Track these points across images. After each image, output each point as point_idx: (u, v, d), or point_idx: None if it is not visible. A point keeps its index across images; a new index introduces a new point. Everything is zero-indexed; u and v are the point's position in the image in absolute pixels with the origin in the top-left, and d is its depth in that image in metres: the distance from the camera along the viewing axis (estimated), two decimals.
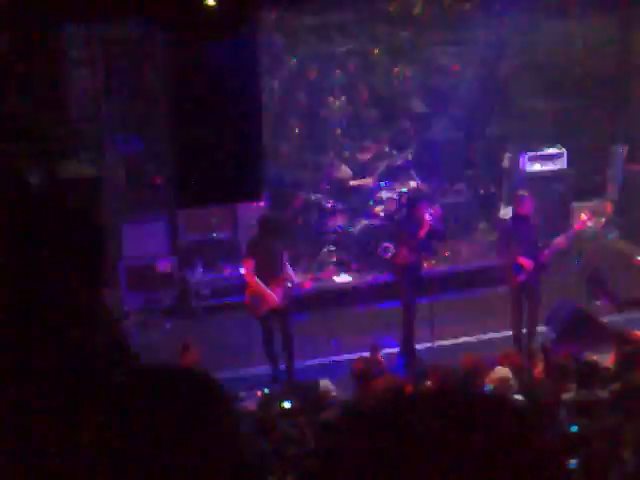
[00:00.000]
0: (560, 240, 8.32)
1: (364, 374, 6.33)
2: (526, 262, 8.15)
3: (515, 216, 8.53)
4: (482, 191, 11.35)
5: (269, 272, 7.93)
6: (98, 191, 9.57)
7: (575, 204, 10.87)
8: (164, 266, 9.96)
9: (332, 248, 10.34)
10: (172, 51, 10.17)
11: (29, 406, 1.87)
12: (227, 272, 10.01)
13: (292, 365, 8.17)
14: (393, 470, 1.38)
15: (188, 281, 10.00)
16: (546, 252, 8.22)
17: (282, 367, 8.26)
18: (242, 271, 8.66)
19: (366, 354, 7.31)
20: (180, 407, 1.68)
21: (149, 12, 9.71)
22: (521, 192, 8.69)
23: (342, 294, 9.91)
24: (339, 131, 11.31)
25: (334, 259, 10.31)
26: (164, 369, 1.88)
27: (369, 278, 10.12)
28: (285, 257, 8.15)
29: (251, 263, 7.94)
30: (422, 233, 8.28)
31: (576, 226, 8.73)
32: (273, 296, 7.90)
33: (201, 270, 10.09)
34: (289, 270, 8.19)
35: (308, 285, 8.55)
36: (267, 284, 7.92)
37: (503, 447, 1.31)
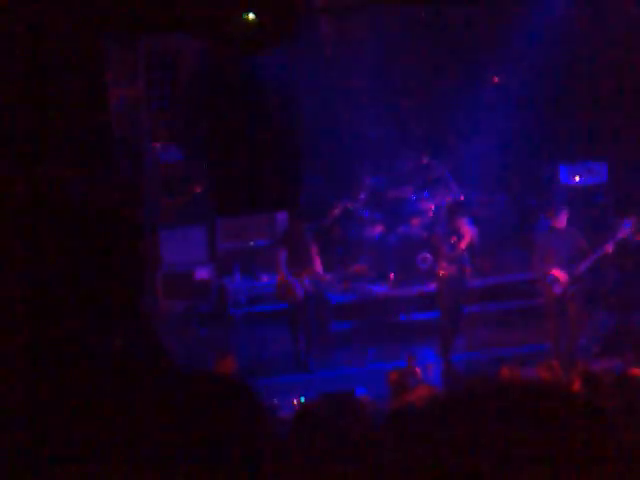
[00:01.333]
0: (605, 248, 8.28)
1: (399, 384, 6.32)
2: (561, 275, 8.09)
3: (551, 229, 8.47)
4: (521, 203, 11.28)
5: (297, 263, 8.46)
6: (138, 199, 9.71)
7: (616, 218, 10.74)
8: (202, 273, 10.05)
9: (370, 258, 10.35)
10: (212, 63, 10.31)
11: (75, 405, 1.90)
12: (264, 280, 10.05)
13: (310, 349, 8.60)
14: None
15: (225, 289, 10.07)
16: (583, 264, 8.16)
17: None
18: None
19: (402, 364, 7.29)
20: (218, 413, 1.71)
21: (191, 24, 9.85)
22: (557, 206, 8.65)
23: (379, 304, 9.90)
24: (378, 139, 11.32)
25: (372, 269, 10.30)
26: (204, 375, 1.90)
27: (406, 289, 10.09)
28: (315, 251, 8.64)
29: (282, 253, 8.56)
30: (463, 245, 8.27)
31: (620, 234, 8.63)
32: (295, 288, 8.47)
33: (238, 278, 10.16)
34: (318, 263, 8.60)
35: (328, 278, 8.94)
36: (295, 274, 8.51)
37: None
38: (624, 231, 8.62)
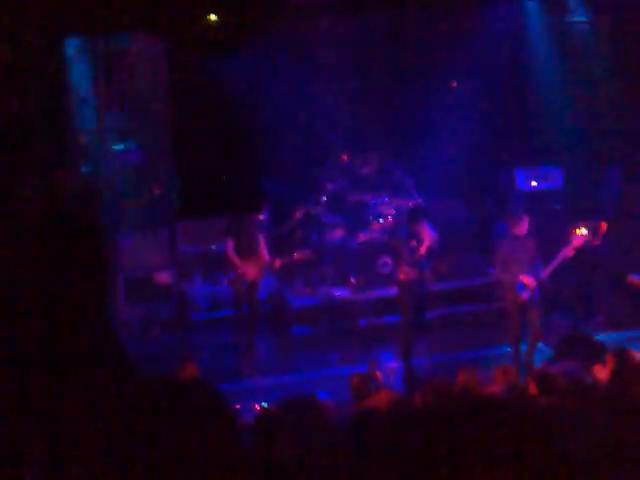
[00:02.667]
0: (563, 254, 8.43)
1: (361, 389, 6.36)
2: (529, 280, 8.23)
3: (512, 235, 8.61)
4: (480, 208, 11.43)
5: (246, 250, 9.01)
6: (97, 201, 9.63)
7: (571, 222, 10.94)
8: (162, 278, 10.00)
9: (331, 262, 10.40)
10: (175, 64, 10.27)
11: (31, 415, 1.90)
12: (226, 284, 10.05)
13: (253, 332, 9.18)
14: None
15: (186, 293, 10.04)
16: (548, 268, 8.30)
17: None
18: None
19: (364, 368, 7.34)
20: (184, 418, 1.73)
21: (152, 25, 9.80)
22: (518, 212, 8.79)
23: (340, 308, 9.95)
24: (340, 145, 11.38)
25: (332, 273, 10.36)
26: (168, 381, 1.92)
27: (367, 293, 10.16)
28: (261, 239, 9.23)
29: (230, 242, 9.03)
30: (423, 249, 8.34)
31: (577, 240, 8.79)
32: (249, 269, 9.01)
33: (199, 282, 10.13)
34: (264, 250, 9.22)
35: (278, 264, 9.42)
36: (244, 261, 9.01)
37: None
38: (581, 238, 8.78)
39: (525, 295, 8.24)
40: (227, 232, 9.20)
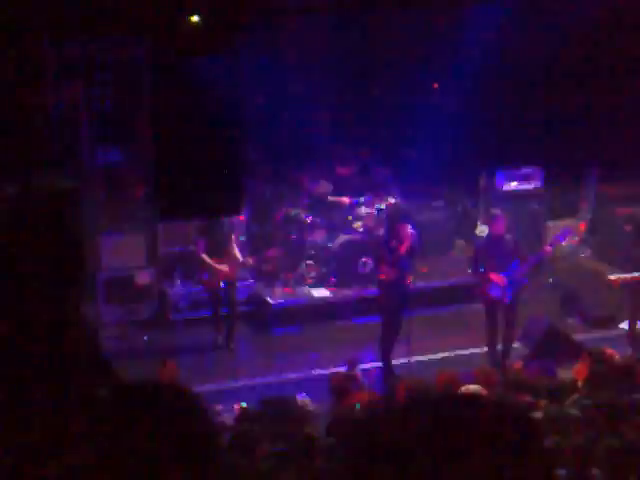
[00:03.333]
0: (542, 254, 8.52)
1: (341, 389, 6.39)
2: (498, 278, 8.30)
3: (489, 235, 8.68)
4: (460, 208, 11.49)
5: (218, 251, 9.13)
6: (76, 202, 9.58)
7: (550, 223, 11.04)
8: (143, 278, 9.97)
9: (311, 262, 10.42)
10: (155, 65, 10.26)
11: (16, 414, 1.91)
12: (200, 286, 10.04)
13: (233, 332, 9.31)
14: None
15: (167, 293, 10.02)
16: (520, 269, 8.37)
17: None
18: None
19: (344, 369, 7.37)
20: (161, 422, 1.74)
21: (132, 26, 9.77)
22: (494, 211, 8.87)
23: (320, 309, 9.97)
24: (320, 146, 11.40)
25: (313, 273, 10.38)
26: (144, 385, 1.94)
27: (347, 293, 10.19)
28: (233, 239, 9.35)
29: (202, 243, 9.22)
30: (403, 249, 8.38)
31: (556, 240, 8.86)
32: (223, 269, 9.12)
33: (180, 283, 10.12)
34: (236, 250, 9.31)
35: (251, 261, 9.56)
36: (217, 261, 9.14)
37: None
38: (560, 237, 8.86)
39: (496, 293, 8.31)
40: (198, 233, 9.37)
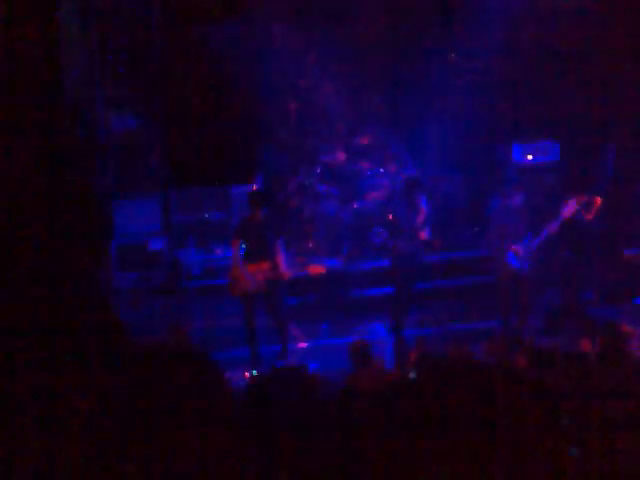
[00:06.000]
0: (550, 226, 8.45)
1: (362, 355, 6.40)
2: (519, 250, 8.27)
3: (505, 208, 8.62)
4: (476, 181, 11.41)
5: (255, 256, 8.04)
6: (92, 168, 9.59)
7: (566, 196, 10.94)
8: (156, 245, 9.99)
9: (324, 232, 10.39)
10: (170, 32, 10.18)
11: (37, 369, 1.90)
12: (218, 253, 10.05)
13: (285, 348, 8.28)
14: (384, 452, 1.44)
15: (179, 261, 10.04)
16: (537, 239, 8.34)
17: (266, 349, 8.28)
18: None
19: (357, 338, 7.36)
20: (177, 383, 1.73)
21: None
22: (512, 185, 8.80)
23: (332, 279, 9.96)
24: (335, 116, 11.33)
25: (326, 243, 10.35)
26: (160, 347, 1.93)
27: (360, 263, 10.17)
28: (279, 244, 8.16)
29: (237, 243, 8.09)
30: (419, 220, 8.36)
31: (565, 213, 8.80)
32: (248, 281, 7.99)
33: (193, 250, 10.13)
34: (281, 258, 8.13)
35: (289, 275, 8.38)
36: (252, 267, 8.06)
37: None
38: (568, 210, 8.78)
39: (515, 264, 8.28)
40: (235, 233, 8.27)
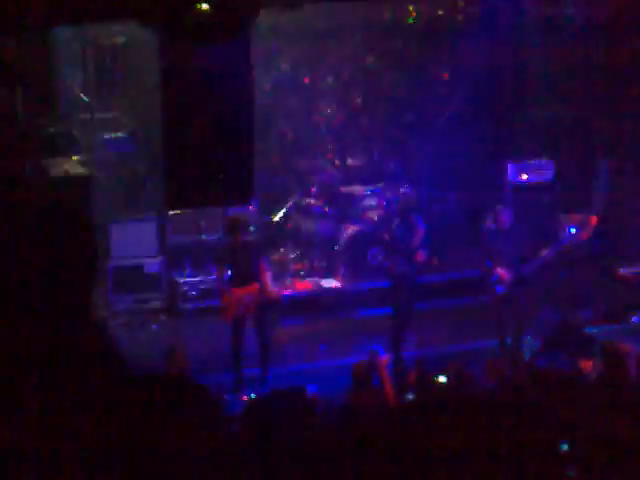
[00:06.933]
0: (547, 254, 8.39)
1: (363, 378, 6.38)
2: (504, 274, 8.24)
3: (495, 229, 8.61)
4: (471, 201, 11.43)
5: (241, 279, 8.06)
6: (87, 190, 9.58)
7: (561, 215, 10.96)
8: (152, 267, 9.96)
9: (320, 254, 10.39)
10: (165, 54, 10.22)
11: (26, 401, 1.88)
12: (215, 275, 10.01)
13: (267, 367, 8.25)
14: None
15: (176, 283, 10.01)
16: (529, 264, 8.29)
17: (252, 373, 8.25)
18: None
19: (353, 360, 7.33)
20: (169, 412, 1.71)
21: (142, 14, 9.73)
22: (499, 205, 8.80)
23: (330, 299, 9.94)
24: (330, 137, 11.36)
25: (323, 264, 10.35)
26: (152, 376, 1.91)
27: (357, 284, 10.16)
28: (263, 265, 8.19)
29: (220, 269, 8.19)
30: (416, 241, 8.35)
31: (564, 243, 8.78)
32: (236, 306, 7.99)
33: (189, 272, 10.11)
34: (267, 279, 8.18)
35: (278, 294, 8.45)
36: (239, 291, 8.05)
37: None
38: (569, 239, 8.77)
39: (500, 289, 8.25)
40: (218, 259, 8.35)
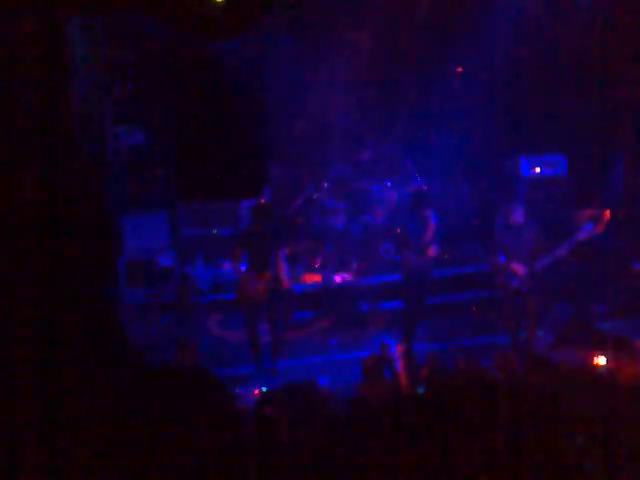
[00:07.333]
0: (560, 249, 8.36)
1: (374, 371, 6.38)
2: (518, 268, 8.21)
3: (507, 224, 8.58)
4: (483, 195, 11.40)
5: (256, 266, 8.16)
6: (100, 183, 9.61)
7: (575, 210, 10.91)
8: (164, 261, 9.99)
9: (333, 247, 10.39)
10: (178, 47, 10.23)
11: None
12: (227, 268, 10.05)
13: (276, 359, 8.33)
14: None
15: (188, 276, 10.04)
16: (542, 259, 8.26)
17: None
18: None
19: (364, 354, 7.33)
20: (182, 404, 1.72)
21: (155, 8, 9.73)
22: (512, 200, 8.75)
23: (342, 293, 9.95)
24: (343, 130, 11.35)
25: (334, 258, 10.35)
26: (166, 368, 1.91)
27: (369, 278, 10.16)
28: (280, 256, 8.24)
29: (237, 254, 8.28)
30: (428, 235, 8.33)
31: (578, 238, 8.72)
32: (251, 289, 8.11)
33: (201, 265, 10.13)
34: (282, 270, 8.23)
35: (288, 284, 8.50)
36: (252, 277, 8.15)
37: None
38: (583, 234, 8.72)
39: (514, 284, 8.23)
40: (236, 244, 8.47)
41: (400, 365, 6.55)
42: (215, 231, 10.17)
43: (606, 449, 4.47)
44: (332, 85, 11.44)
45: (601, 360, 6.61)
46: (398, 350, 6.90)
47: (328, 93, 11.45)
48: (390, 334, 8.68)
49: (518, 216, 8.35)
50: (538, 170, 11.02)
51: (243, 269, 8.36)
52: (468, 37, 11.13)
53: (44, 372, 2.01)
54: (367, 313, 9.63)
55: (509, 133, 11.43)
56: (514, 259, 8.23)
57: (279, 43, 10.74)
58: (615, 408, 5.28)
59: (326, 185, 10.81)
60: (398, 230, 9.24)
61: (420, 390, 6.22)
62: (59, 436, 1.90)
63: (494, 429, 1.38)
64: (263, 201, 9.75)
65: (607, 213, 11.19)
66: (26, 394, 1.98)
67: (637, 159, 11.18)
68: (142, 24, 10.14)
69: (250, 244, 8.23)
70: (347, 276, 10.20)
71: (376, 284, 10.00)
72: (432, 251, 8.41)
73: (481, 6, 10.83)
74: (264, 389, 6.86)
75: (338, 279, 10.15)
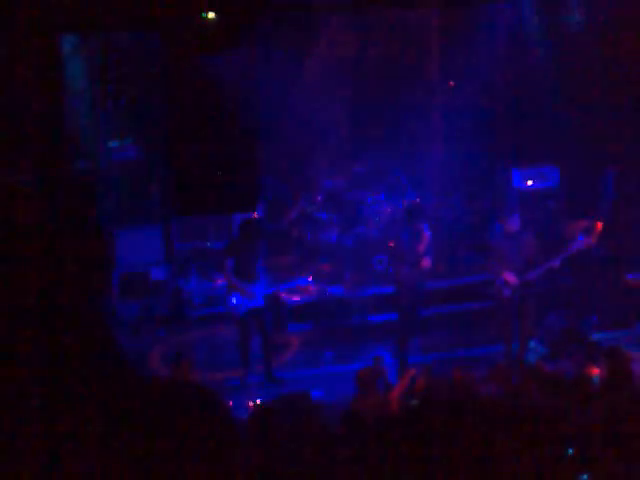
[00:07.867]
0: (554, 261, 8.38)
1: (367, 383, 6.38)
2: (511, 278, 8.24)
3: (503, 233, 8.61)
4: (476, 206, 11.43)
5: (245, 275, 8.32)
6: (93, 197, 9.62)
7: (567, 221, 10.95)
8: (158, 274, 9.99)
9: (326, 260, 10.40)
10: (172, 62, 10.26)
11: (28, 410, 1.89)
12: (220, 282, 10.05)
13: (269, 367, 8.39)
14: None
15: (182, 290, 10.03)
16: (536, 270, 8.29)
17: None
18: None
19: (359, 366, 7.33)
20: (178, 418, 1.72)
21: (149, 23, 9.78)
22: (508, 210, 8.78)
23: (335, 306, 9.95)
24: (336, 143, 11.38)
25: (328, 270, 10.36)
26: (160, 382, 1.92)
27: (362, 290, 10.16)
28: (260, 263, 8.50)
29: (229, 263, 8.41)
30: (422, 247, 8.34)
31: (571, 249, 8.76)
32: (249, 293, 8.30)
33: (194, 279, 10.13)
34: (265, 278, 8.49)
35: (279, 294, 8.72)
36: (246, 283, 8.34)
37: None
38: (577, 245, 8.75)
39: (506, 293, 8.25)
40: (226, 253, 8.61)
41: (403, 383, 6.55)
42: (208, 244, 10.18)
43: (602, 460, 4.48)
44: (325, 98, 11.48)
45: (595, 371, 6.61)
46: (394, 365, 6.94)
47: (321, 106, 11.49)
48: (384, 346, 8.69)
49: (515, 225, 8.40)
50: (530, 183, 11.07)
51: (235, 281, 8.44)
52: (461, 51, 11.20)
53: (45, 387, 2.01)
54: (361, 325, 9.63)
55: (501, 145, 11.49)
56: (508, 268, 8.25)
57: (271, 57, 10.79)
58: (608, 418, 5.29)
59: (319, 198, 10.83)
60: (391, 244, 9.26)
61: (414, 403, 6.22)
62: (57, 450, 1.89)
63: (488, 443, 1.39)
64: (254, 216, 9.76)
65: (599, 224, 11.25)
66: (26, 407, 1.98)
67: (629, 170, 11.24)
68: (135, 40, 10.19)
69: (238, 257, 8.39)
70: (340, 288, 10.21)
71: (369, 296, 10.01)
72: (426, 263, 8.43)
73: (474, 20, 10.90)
74: (258, 401, 6.85)
75: (331, 291, 10.17)
